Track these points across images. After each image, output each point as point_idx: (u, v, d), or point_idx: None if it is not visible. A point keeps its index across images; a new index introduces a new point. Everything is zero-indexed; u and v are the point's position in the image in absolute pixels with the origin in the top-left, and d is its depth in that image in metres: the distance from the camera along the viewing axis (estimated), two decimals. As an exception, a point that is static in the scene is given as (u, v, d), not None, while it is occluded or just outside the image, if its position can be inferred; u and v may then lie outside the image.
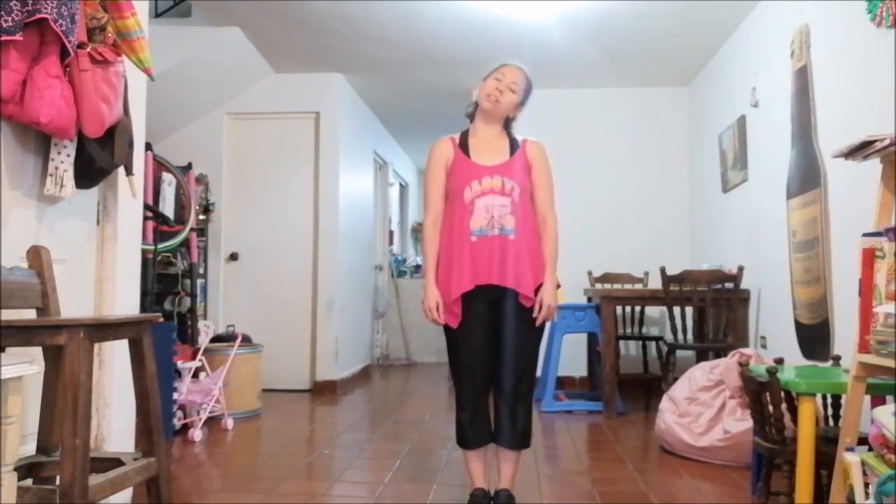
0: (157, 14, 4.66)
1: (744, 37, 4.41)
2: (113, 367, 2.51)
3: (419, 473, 3.07)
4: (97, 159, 2.24)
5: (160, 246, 4.07)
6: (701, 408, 3.34)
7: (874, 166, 2.17)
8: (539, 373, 4.71)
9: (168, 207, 4.30)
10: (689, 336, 4.52)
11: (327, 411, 4.66)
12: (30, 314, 1.98)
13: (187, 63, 4.68)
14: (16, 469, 1.63)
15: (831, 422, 2.57)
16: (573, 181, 5.56)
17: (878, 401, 2.27)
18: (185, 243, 4.54)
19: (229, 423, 4.02)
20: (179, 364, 3.84)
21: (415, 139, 7.90)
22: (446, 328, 2.41)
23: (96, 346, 2.32)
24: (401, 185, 9.24)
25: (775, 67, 3.84)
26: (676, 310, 4.24)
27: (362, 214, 6.40)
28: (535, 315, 2.35)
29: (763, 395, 2.40)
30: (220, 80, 5.20)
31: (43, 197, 2.21)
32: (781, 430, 2.38)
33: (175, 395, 3.72)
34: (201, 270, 5.15)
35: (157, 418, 2.00)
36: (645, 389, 4.85)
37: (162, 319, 3.00)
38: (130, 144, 2.39)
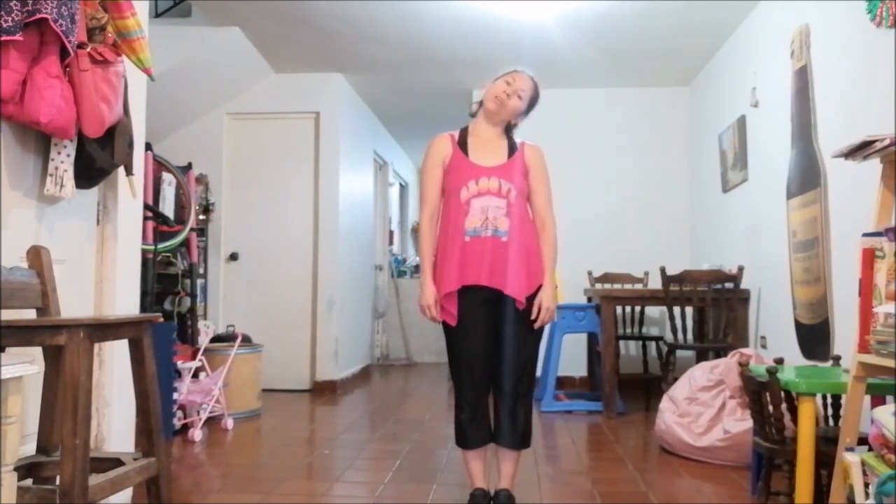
0: (157, 14, 4.66)
1: (744, 37, 4.41)
2: (113, 367, 2.51)
3: (419, 473, 3.07)
4: (97, 159, 2.24)
5: (160, 246, 4.07)
6: (701, 408, 3.34)
7: (874, 166, 2.17)
8: (539, 373, 4.71)
9: (168, 207, 4.30)
10: (689, 336, 4.52)
11: (327, 411, 4.66)
12: (30, 314, 1.98)
13: (187, 63, 4.68)
14: (16, 469, 1.63)
15: (831, 422, 2.57)
16: (573, 181, 5.56)
17: (878, 401, 2.27)
18: (185, 243, 4.54)
19: (229, 423, 4.02)
20: (179, 364, 3.84)
21: (415, 139, 7.90)
22: (446, 328, 2.41)
23: (96, 346, 2.32)
24: (401, 185, 9.24)
25: (775, 67, 3.84)
26: (676, 310, 4.24)
27: (362, 214, 6.40)
28: (533, 317, 2.35)
29: (763, 395, 2.40)
30: (220, 80, 5.20)
31: (43, 197, 2.21)
32: (781, 430, 2.38)
33: (175, 395, 3.72)
34: (201, 270, 5.15)
35: (157, 418, 2.00)
36: (645, 389, 4.85)
37: (162, 319, 3.00)
38: (130, 144, 2.39)
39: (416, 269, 8.22)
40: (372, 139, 6.79)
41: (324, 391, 5.37)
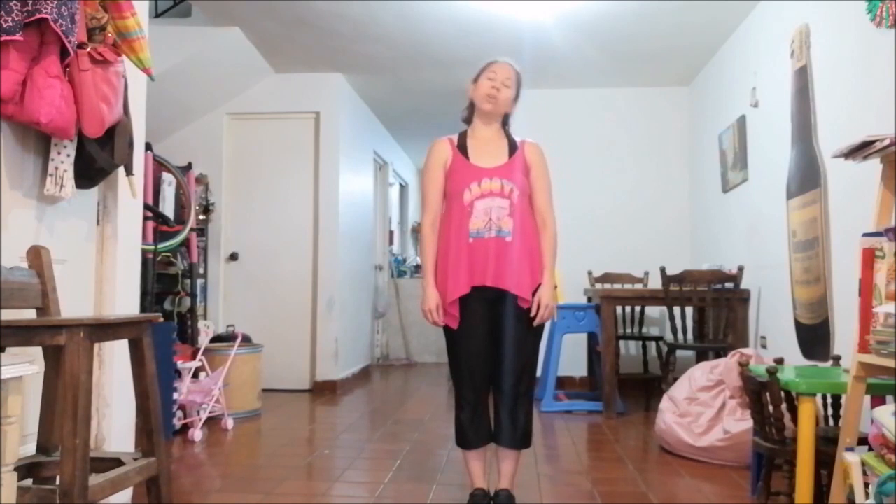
0: (157, 14, 4.66)
1: (744, 37, 4.41)
2: (113, 367, 2.51)
3: (419, 473, 3.07)
4: (97, 159, 2.24)
5: (160, 246, 4.08)
6: (701, 408, 3.34)
7: (874, 166, 2.17)
8: (539, 373, 4.70)
9: (168, 207, 4.30)
10: (689, 336, 4.52)
11: (327, 411, 4.66)
12: (30, 314, 1.98)
13: (187, 63, 4.68)
14: (16, 469, 1.63)
15: (831, 422, 2.57)
16: (573, 181, 5.56)
17: (878, 401, 2.27)
18: (185, 243, 4.54)
19: (229, 423, 4.02)
20: (179, 364, 3.84)
21: (415, 139, 7.90)
22: (446, 328, 2.41)
23: (96, 346, 2.32)
24: (401, 185, 9.24)
25: (775, 67, 3.84)
26: (676, 310, 4.24)
27: (362, 214, 6.40)
28: (533, 315, 2.35)
29: (763, 395, 2.40)
30: (220, 80, 5.20)
31: (43, 197, 2.21)
32: (781, 430, 2.38)
33: (175, 395, 3.72)
34: (201, 270, 5.16)
35: (157, 418, 1.99)
36: (645, 389, 4.85)
37: (162, 319, 3.01)
38: (130, 144, 2.39)
39: (417, 269, 8.22)
40: (372, 139, 6.79)
41: (324, 391, 5.37)
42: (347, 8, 4.26)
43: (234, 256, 5.49)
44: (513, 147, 2.45)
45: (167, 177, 4.33)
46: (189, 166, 4.77)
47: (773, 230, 3.86)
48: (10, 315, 1.84)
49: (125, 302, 2.62)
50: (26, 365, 1.60)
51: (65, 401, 1.67)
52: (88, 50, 2.10)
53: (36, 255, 2.00)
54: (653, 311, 5.60)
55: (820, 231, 3.25)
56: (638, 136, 5.77)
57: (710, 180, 5.12)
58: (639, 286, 5.33)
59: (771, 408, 2.37)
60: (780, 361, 2.49)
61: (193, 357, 4.00)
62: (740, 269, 4.23)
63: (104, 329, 1.81)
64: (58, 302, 2.02)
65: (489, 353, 2.40)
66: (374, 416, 4.45)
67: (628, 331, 5.34)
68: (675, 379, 3.79)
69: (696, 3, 4.13)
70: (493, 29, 4.53)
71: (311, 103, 5.55)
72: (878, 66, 2.75)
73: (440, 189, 2.44)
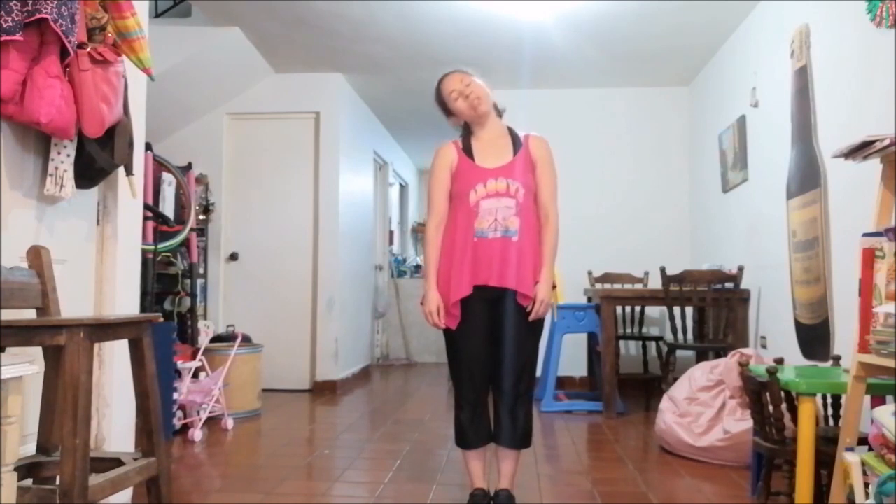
0: (157, 14, 4.66)
1: (744, 37, 4.41)
2: (113, 367, 2.51)
3: (419, 473, 3.07)
4: (97, 159, 2.24)
5: (160, 246, 4.08)
6: (701, 408, 3.34)
7: (874, 166, 2.17)
8: (539, 373, 4.71)
9: (168, 207, 4.30)
10: (689, 336, 4.52)
11: (327, 411, 4.66)
12: (30, 314, 1.98)
13: (187, 63, 4.68)
14: (16, 469, 1.63)
15: (831, 422, 2.57)
16: (573, 181, 5.55)
17: (878, 401, 2.27)
18: (185, 243, 4.54)
19: (229, 423, 4.02)
20: (179, 364, 3.84)
21: (415, 139, 7.89)
22: (446, 329, 2.41)
23: (96, 346, 2.32)
24: (401, 185, 9.23)
25: (775, 67, 3.84)
26: (676, 310, 4.24)
27: (362, 214, 6.40)
28: (529, 310, 2.35)
29: (763, 395, 2.40)
30: (220, 80, 5.20)
31: (43, 197, 2.21)
32: (781, 430, 2.38)
33: (175, 395, 3.72)
34: (201, 270, 5.15)
35: (157, 418, 1.99)
36: (645, 389, 4.85)
37: (162, 319, 3.00)
38: (130, 144, 2.39)
39: (417, 269, 8.22)
40: (372, 139, 6.79)
41: (324, 391, 5.37)
42: (347, 8, 4.26)
43: (234, 256, 5.49)
44: (517, 144, 2.45)
45: (167, 177, 4.33)
46: (189, 166, 4.77)
47: (773, 230, 3.86)
48: (10, 315, 1.84)
49: (125, 302, 2.62)
50: (26, 365, 1.60)
51: (65, 401, 1.67)
52: (88, 50, 2.10)
53: (36, 255, 2.00)
54: (653, 311, 5.60)
55: (820, 231, 3.25)
56: (638, 136, 5.77)
57: (710, 180, 5.12)
58: (639, 286, 5.33)
59: (771, 408, 2.37)
60: (780, 361, 2.49)
61: (193, 357, 4.00)
62: (740, 269, 4.23)
63: (104, 329, 1.81)
64: (58, 302, 2.02)
65: (489, 353, 2.40)
66: (374, 416, 4.45)
67: (628, 331, 5.34)
68: (675, 379, 3.79)
69: (696, 3, 4.13)
70: (493, 29, 4.53)
71: (311, 103, 5.55)
72: (878, 66, 2.75)
73: (446, 192, 2.44)
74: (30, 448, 1.98)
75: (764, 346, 4.05)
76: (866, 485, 1.86)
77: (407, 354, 7.66)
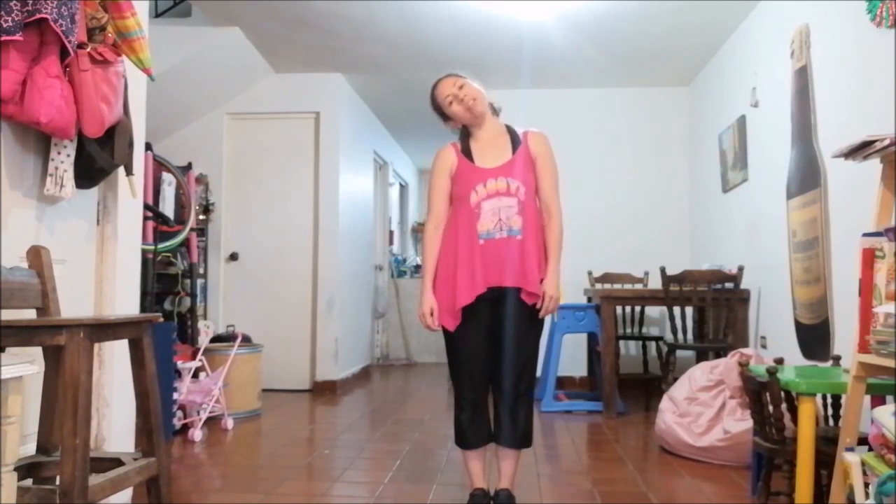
0: (157, 14, 4.66)
1: (744, 37, 4.41)
2: (113, 367, 2.51)
3: (419, 473, 3.07)
4: (97, 159, 2.24)
5: (160, 246, 4.08)
6: (701, 408, 3.34)
7: (874, 166, 2.17)
8: (539, 373, 4.71)
9: (168, 207, 4.30)
10: (689, 336, 4.52)
11: (327, 411, 4.66)
12: (30, 314, 1.98)
13: (187, 63, 4.68)
14: (16, 469, 1.63)
15: (831, 422, 2.57)
16: (573, 181, 5.54)
17: (878, 401, 2.27)
18: (185, 243, 4.54)
19: (229, 423, 4.02)
20: (179, 364, 3.84)
21: (415, 139, 7.89)
22: (445, 329, 2.41)
23: (96, 346, 2.32)
24: (401, 185, 9.22)
25: (775, 67, 3.84)
26: (676, 310, 4.24)
27: (362, 214, 6.40)
28: (538, 307, 2.34)
29: (763, 395, 2.40)
30: (220, 80, 5.20)
31: (43, 197, 2.21)
32: (781, 430, 2.38)
33: (175, 395, 3.72)
34: (201, 270, 5.16)
35: (157, 418, 2.00)
36: (645, 389, 4.85)
37: (162, 319, 3.00)
38: (130, 144, 2.39)
39: (416, 269, 8.22)
40: (372, 139, 6.79)
41: (324, 391, 5.37)
42: (347, 8, 4.26)
43: (234, 256, 5.49)
44: (516, 141, 2.45)
45: (167, 177, 4.33)
46: (189, 166, 4.77)
47: (773, 230, 3.86)
48: (10, 315, 1.84)
49: (125, 302, 2.62)
50: (26, 365, 1.60)
51: (65, 401, 1.67)
52: (88, 50, 2.10)
53: (36, 255, 2.00)
54: (653, 311, 5.60)
55: (820, 231, 3.25)
56: (638, 136, 5.77)
57: (710, 180, 5.12)
58: (639, 286, 5.33)
59: (771, 408, 2.37)
60: (780, 361, 2.49)
61: (193, 357, 4.00)
62: (740, 269, 4.23)
63: (104, 329, 1.81)
64: (58, 302, 2.02)
65: (489, 353, 2.40)
66: (374, 416, 4.45)
67: (628, 331, 5.35)
68: (675, 379, 3.79)
69: (696, 3, 4.13)
70: (493, 29, 4.53)
71: (311, 103, 5.55)
72: (878, 66, 2.75)
73: (445, 194, 2.44)
74: (30, 448, 1.98)
75: (764, 346, 4.05)
76: (866, 485, 1.86)
77: (407, 354, 7.66)
